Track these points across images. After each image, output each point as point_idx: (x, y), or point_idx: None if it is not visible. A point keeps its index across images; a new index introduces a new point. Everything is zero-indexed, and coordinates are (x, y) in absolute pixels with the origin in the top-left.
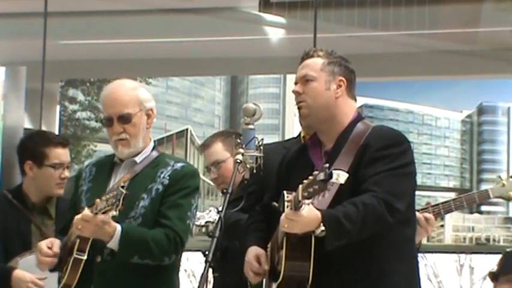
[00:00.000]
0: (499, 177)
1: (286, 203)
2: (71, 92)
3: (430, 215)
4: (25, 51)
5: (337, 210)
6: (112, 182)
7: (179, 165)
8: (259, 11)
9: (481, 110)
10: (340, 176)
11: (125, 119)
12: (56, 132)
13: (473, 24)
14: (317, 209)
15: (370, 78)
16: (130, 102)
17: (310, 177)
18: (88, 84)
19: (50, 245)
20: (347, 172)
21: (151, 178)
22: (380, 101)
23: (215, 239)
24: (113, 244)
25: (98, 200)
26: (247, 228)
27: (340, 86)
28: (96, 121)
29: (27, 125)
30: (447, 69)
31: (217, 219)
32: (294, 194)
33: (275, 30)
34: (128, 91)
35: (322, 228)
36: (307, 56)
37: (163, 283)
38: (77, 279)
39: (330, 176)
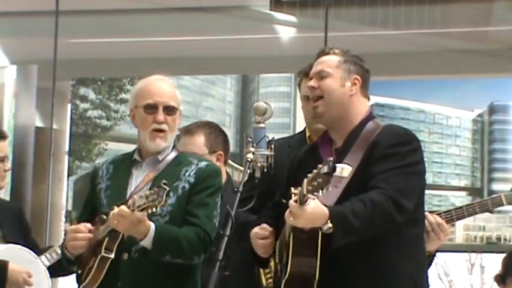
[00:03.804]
0: None
1: (293, 196)
2: (82, 90)
3: (441, 221)
4: (36, 49)
5: (345, 207)
6: (134, 180)
7: (203, 163)
8: (270, 10)
9: (492, 109)
10: (344, 170)
11: (171, 110)
12: (67, 131)
13: (485, 23)
14: (324, 205)
15: (381, 77)
16: (176, 98)
17: (315, 171)
18: (99, 82)
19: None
20: (356, 169)
21: (176, 176)
22: (391, 100)
23: (225, 238)
24: (147, 242)
25: (135, 196)
26: (256, 220)
27: (355, 84)
28: (108, 119)
29: (39, 123)
30: (458, 68)
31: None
32: (299, 188)
33: (286, 29)
34: (173, 88)
35: (330, 225)
36: (323, 53)
37: (189, 282)
38: (101, 277)
39: (334, 169)
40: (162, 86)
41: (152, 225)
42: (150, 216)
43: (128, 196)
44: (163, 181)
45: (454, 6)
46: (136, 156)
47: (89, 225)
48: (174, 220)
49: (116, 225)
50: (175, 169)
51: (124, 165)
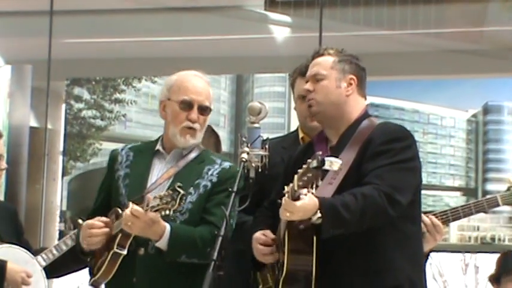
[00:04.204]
0: (509, 183)
1: (285, 194)
2: (77, 90)
3: (437, 221)
4: (31, 49)
5: (336, 199)
6: (155, 171)
7: (227, 164)
8: (265, 10)
9: (487, 109)
10: (334, 163)
11: (204, 110)
12: (62, 131)
13: (479, 23)
14: (316, 197)
15: (376, 77)
16: (210, 98)
17: (304, 166)
18: (93, 82)
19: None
20: (350, 166)
21: (198, 174)
22: (386, 100)
23: (220, 238)
24: (162, 244)
25: (149, 196)
26: (254, 222)
27: (350, 84)
28: (102, 119)
29: (33, 123)
30: (453, 68)
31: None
32: (291, 184)
33: (281, 29)
34: (208, 87)
35: (319, 215)
36: (317, 54)
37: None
38: (113, 273)
39: (323, 162)
40: (199, 84)
41: (167, 226)
42: (168, 217)
43: (147, 187)
44: (178, 184)
45: (448, 7)
46: (159, 147)
47: (104, 218)
48: (193, 218)
49: (130, 227)
50: (198, 166)
51: (145, 154)
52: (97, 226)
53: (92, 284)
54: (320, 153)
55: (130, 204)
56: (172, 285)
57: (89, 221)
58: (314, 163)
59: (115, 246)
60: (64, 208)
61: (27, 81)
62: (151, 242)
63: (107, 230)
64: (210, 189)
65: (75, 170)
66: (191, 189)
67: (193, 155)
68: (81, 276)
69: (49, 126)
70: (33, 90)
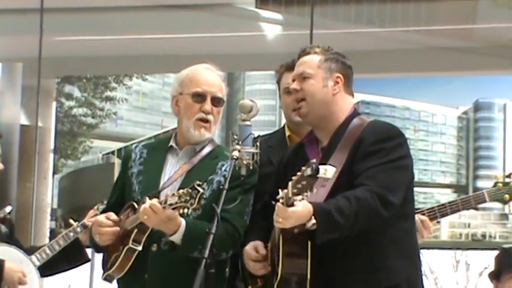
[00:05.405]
0: (496, 179)
1: (279, 200)
2: (67, 88)
3: (425, 217)
4: (21, 47)
5: (329, 203)
6: (169, 167)
7: None
8: (256, 7)
9: (477, 107)
10: (328, 171)
11: (218, 102)
12: (53, 129)
13: (470, 20)
14: (310, 202)
15: (367, 75)
16: (223, 90)
17: (298, 173)
18: (84, 80)
19: (107, 216)
20: (342, 167)
21: (211, 169)
22: (376, 98)
23: (211, 235)
24: (176, 238)
25: (168, 193)
26: (247, 229)
27: (337, 82)
28: (93, 117)
29: (24, 121)
30: (443, 65)
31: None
32: (285, 190)
33: (272, 27)
34: (220, 79)
35: (313, 221)
36: (303, 53)
37: (216, 276)
38: (127, 268)
39: (317, 170)
40: (211, 76)
41: (183, 222)
42: (182, 215)
43: (160, 185)
44: (198, 182)
45: (439, 4)
46: (172, 143)
47: (113, 215)
48: (206, 213)
49: (146, 220)
50: (211, 162)
51: (159, 151)
52: (105, 224)
53: (105, 278)
54: (314, 160)
55: (147, 199)
56: (184, 282)
57: (98, 218)
58: (308, 171)
59: (130, 242)
60: (55, 206)
61: (17, 79)
62: (164, 238)
63: (115, 229)
64: (223, 185)
65: (66, 168)
66: (204, 185)
67: (206, 150)
68: (72, 275)
69: (40, 124)
70: (23, 88)
